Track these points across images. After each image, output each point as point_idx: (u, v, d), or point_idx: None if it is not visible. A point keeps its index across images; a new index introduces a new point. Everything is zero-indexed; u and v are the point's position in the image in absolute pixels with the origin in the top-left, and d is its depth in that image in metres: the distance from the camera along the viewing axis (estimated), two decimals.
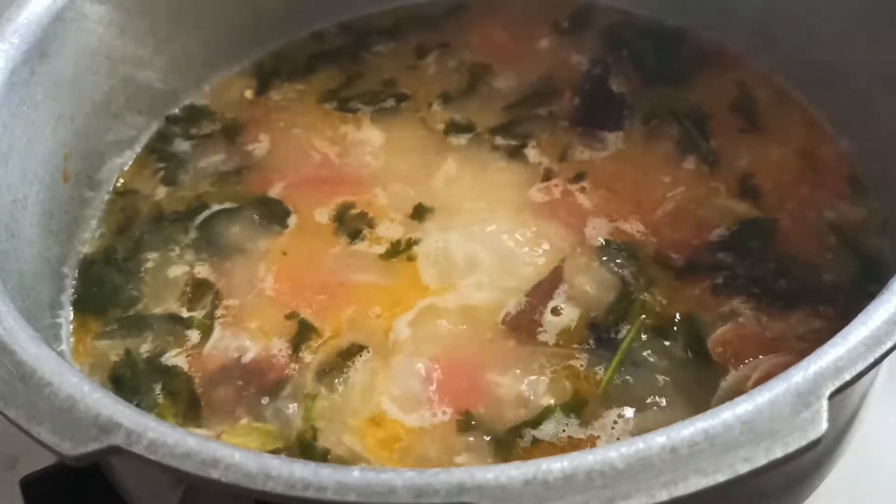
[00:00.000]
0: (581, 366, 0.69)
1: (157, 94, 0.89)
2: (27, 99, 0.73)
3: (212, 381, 0.71)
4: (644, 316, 0.71)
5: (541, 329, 0.72)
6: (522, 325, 0.72)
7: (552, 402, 0.67)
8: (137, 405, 0.68)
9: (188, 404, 0.70)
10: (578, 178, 0.81)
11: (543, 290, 0.74)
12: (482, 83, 0.91)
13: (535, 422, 0.66)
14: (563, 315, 0.72)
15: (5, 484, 0.74)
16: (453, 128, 0.87)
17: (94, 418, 0.51)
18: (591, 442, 0.65)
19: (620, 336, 0.70)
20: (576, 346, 0.70)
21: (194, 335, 0.74)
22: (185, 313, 0.75)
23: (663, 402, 0.67)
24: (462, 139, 0.86)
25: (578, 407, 0.67)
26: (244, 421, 0.68)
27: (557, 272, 0.75)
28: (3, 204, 0.69)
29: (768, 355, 0.69)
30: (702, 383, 0.68)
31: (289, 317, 0.73)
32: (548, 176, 0.82)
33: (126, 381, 0.71)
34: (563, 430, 0.66)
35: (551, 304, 0.73)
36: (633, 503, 0.45)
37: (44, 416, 0.51)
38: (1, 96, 0.71)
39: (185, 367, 0.72)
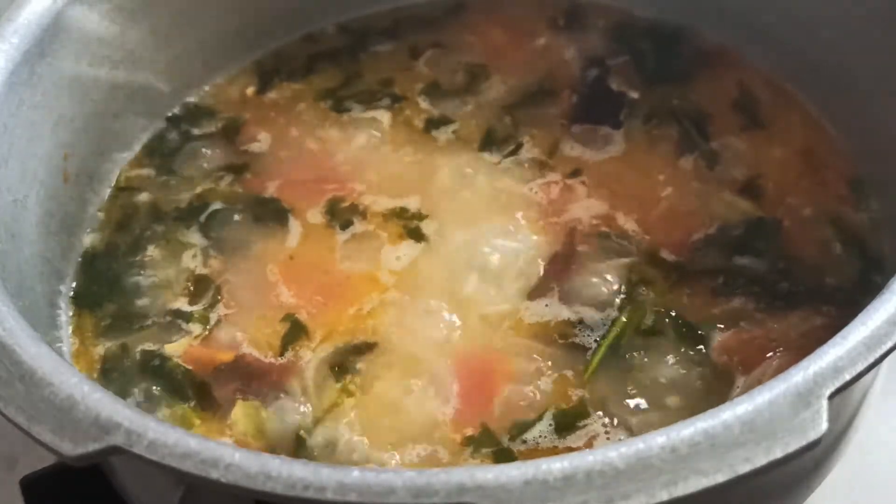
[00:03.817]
0: (577, 365, 0.69)
1: (157, 93, 0.88)
2: (27, 99, 0.73)
3: (212, 377, 0.71)
4: (631, 307, 0.72)
5: (558, 309, 0.72)
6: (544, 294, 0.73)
7: (555, 402, 0.68)
8: (140, 399, 0.70)
9: (198, 394, 0.70)
10: (577, 176, 0.81)
11: (558, 261, 0.75)
12: (480, 83, 0.91)
13: (536, 423, 0.67)
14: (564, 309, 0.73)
15: (5, 484, 0.75)
16: (452, 127, 0.87)
17: (94, 418, 0.51)
18: (590, 444, 0.65)
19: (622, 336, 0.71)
20: (572, 343, 0.71)
21: (194, 331, 0.74)
22: (185, 310, 0.75)
23: (667, 406, 0.67)
24: (459, 138, 0.86)
25: (580, 409, 0.67)
26: (258, 402, 0.69)
27: (568, 243, 0.75)
28: (3, 204, 0.69)
29: (775, 352, 0.69)
30: (708, 388, 0.68)
31: (285, 318, 0.73)
32: (546, 175, 0.82)
33: (126, 376, 0.72)
34: (563, 432, 0.66)
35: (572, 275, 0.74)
36: (633, 503, 0.45)
37: (44, 416, 0.51)
38: (1, 96, 0.71)
39: (186, 363, 0.72)
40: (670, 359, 0.69)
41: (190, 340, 0.73)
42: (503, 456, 0.65)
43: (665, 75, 0.90)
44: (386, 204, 0.81)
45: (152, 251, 0.80)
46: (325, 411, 0.68)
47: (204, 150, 0.87)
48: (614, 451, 0.47)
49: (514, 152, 0.84)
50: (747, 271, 0.74)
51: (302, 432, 0.67)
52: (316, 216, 0.81)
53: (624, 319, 0.71)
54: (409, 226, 0.79)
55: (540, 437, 0.66)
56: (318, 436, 0.67)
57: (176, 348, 0.73)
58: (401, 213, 0.80)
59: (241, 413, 0.68)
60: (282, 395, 0.69)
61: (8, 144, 0.71)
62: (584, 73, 0.90)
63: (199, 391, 0.70)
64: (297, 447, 0.67)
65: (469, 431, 0.66)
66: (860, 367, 0.50)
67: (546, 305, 0.73)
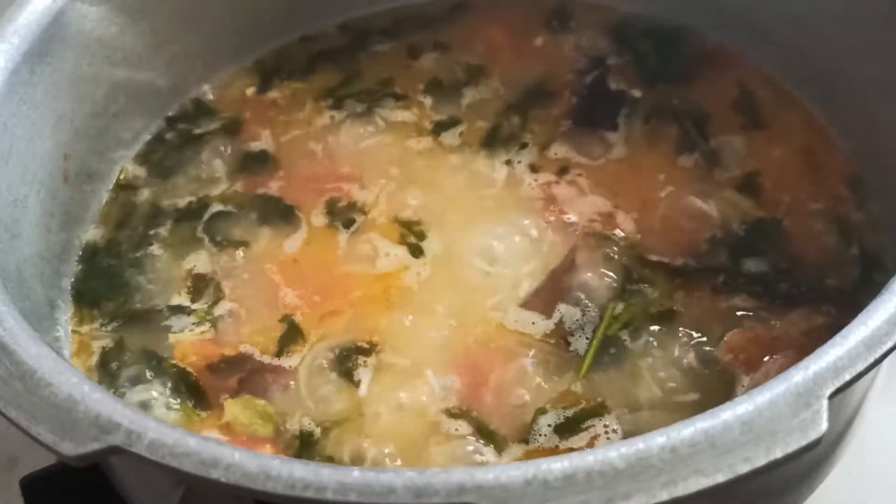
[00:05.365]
0: (577, 365, 0.69)
1: (158, 93, 0.89)
2: (27, 99, 0.73)
3: (210, 374, 0.71)
4: (625, 305, 0.72)
5: (556, 311, 0.72)
6: (540, 306, 0.72)
7: (554, 402, 0.68)
8: (139, 396, 0.70)
9: (193, 392, 0.70)
10: (577, 177, 0.81)
11: (557, 275, 0.74)
12: (480, 82, 0.91)
13: (535, 423, 0.66)
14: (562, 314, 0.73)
15: (5, 484, 0.74)
16: (451, 127, 0.87)
17: (94, 418, 0.51)
18: (591, 445, 0.65)
19: (621, 336, 0.71)
20: (572, 343, 0.71)
21: (194, 329, 0.74)
22: (185, 309, 0.75)
23: (667, 406, 0.67)
24: (459, 138, 0.86)
25: (579, 410, 0.67)
26: (247, 395, 0.69)
27: (569, 257, 0.75)
28: (3, 204, 0.69)
29: (778, 352, 0.69)
30: (711, 388, 0.68)
31: (283, 319, 0.73)
32: (546, 175, 0.82)
33: (125, 373, 0.72)
34: (564, 433, 0.66)
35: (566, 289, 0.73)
36: (633, 503, 0.45)
37: (44, 416, 0.51)
38: (1, 96, 0.71)
39: (186, 358, 0.72)
40: (672, 358, 0.69)
41: (190, 337, 0.73)
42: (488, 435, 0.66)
43: (665, 75, 0.90)
44: (387, 203, 0.81)
45: (153, 249, 0.80)
46: (324, 409, 0.68)
47: (204, 149, 0.87)
48: (614, 451, 0.47)
49: (515, 153, 0.84)
50: (748, 271, 0.74)
51: (302, 430, 0.67)
52: (317, 216, 0.81)
53: (615, 316, 0.71)
54: (411, 225, 0.79)
55: (541, 435, 0.66)
56: (318, 435, 0.67)
57: (178, 338, 0.73)
58: (402, 214, 0.80)
59: (236, 409, 0.68)
60: (280, 395, 0.69)
61: (8, 144, 0.71)
62: (584, 73, 0.90)
63: (196, 388, 0.70)
64: (299, 447, 0.67)
65: (470, 433, 0.67)
66: (860, 367, 0.50)
67: (546, 305, 0.73)
